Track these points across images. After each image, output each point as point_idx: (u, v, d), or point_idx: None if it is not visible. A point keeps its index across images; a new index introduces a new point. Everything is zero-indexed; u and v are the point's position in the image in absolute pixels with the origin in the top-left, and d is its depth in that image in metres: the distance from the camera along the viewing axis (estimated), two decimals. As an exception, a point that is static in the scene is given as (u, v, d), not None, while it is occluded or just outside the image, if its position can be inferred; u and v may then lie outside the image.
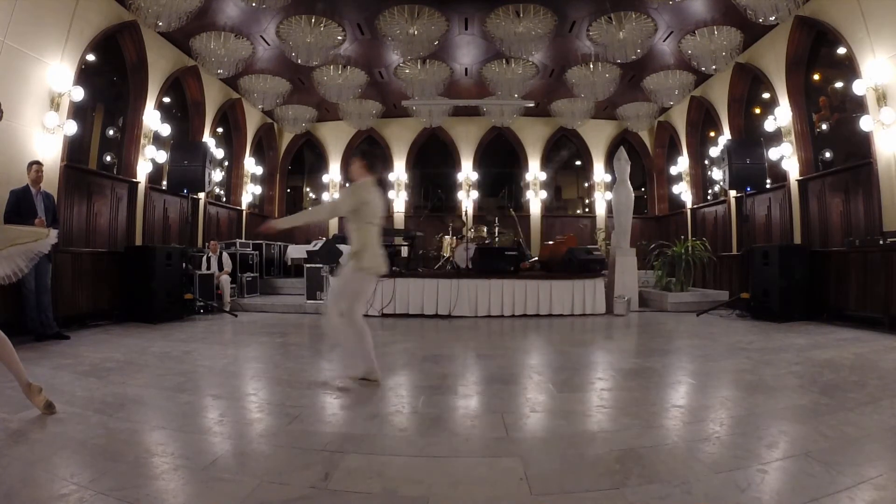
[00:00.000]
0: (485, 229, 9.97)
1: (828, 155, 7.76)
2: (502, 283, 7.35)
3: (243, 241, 10.38)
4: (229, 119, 11.38)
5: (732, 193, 9.54)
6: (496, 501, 1.77)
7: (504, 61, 9.41)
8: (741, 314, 6.93)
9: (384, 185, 13.48)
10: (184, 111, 9.91)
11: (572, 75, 9.66)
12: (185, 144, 8.51)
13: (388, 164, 13.40)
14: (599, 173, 13.35)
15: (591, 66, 9.37)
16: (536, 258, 9.06)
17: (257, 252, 9.96)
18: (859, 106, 6.67)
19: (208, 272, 7.78)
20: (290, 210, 14.04)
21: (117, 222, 7.86)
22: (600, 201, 13.32)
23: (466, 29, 8.57)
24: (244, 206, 11.83)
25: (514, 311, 7.30)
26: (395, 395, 3.21)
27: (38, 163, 5.16)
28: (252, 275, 9.25)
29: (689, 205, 11.67)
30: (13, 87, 5.61)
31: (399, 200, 13.28)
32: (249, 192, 12.12)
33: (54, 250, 3.65)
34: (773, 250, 6.52)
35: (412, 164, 13.62)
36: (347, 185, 4.04)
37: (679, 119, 11.86)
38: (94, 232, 7.38)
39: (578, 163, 14.09)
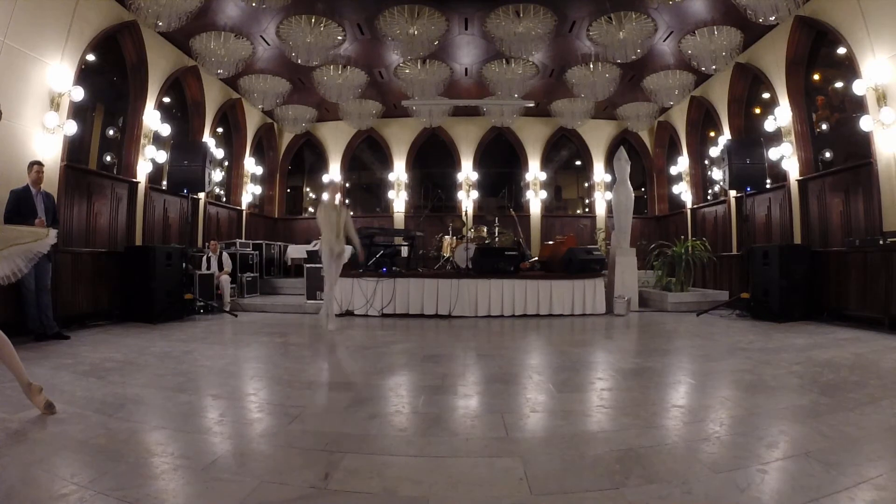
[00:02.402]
0: (485, 229, 9.97)
1: (828, 155, 7.76)
2: (502, 283, 7.35)
3: (243, 241, 10.39)
4: (229, 119, 11.38)
5: (732, 193, 9.54)
6: (496, 501, 1.77)
7: (504, 61, 9.41)
8: (741, 314, 6.93)
9: (385, 187, 13.53)
10: (184, 111, 9.91)
11: (572, 75, 9.66)
12: (185, 144, 8.51)
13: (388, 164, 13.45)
14: (599, 173, 13.35)
15: (591, 66, 9.37)
16: (536, 258, 9.06)
17: (257, 252, 9.97)
18: (859, 106, 6.68)
19: (208, 272, 7.78)
20: (290, 210, 14.20)
21: (117, 222, 7.86)
22: (600, 201, 13.32)
23: (466, 29, 8.57)
24: (244, 206, 11.83)
25: (514, 311, 7.30)
26: (395, 395, 3.21)
27: (38, 163, 5.16)
28: (252, 275, 9.25)
29: (689, 205, 11.67)
30: (13, 87, 5.61)
31: (399, 200, 13.28)
32: (249, 192, 12.13)
33: (54, 250, 3.65)
34: (773, 250, 6.52)
35: (412, 164, 13.62)
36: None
37: (679, 119, 11.86)
38: (94, 232, 7.38)
39: (578, 163, 14.09)
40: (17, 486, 1.81)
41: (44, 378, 3.17)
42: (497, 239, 10.00)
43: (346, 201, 13.90)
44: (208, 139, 9.71)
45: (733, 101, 9.74)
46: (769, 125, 8.43)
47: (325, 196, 5.90)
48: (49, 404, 2.60)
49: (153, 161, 8.34)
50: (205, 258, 8.24)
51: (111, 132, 7.97)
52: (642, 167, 13.69)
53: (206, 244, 8.75)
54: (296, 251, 10.97)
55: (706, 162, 11.20)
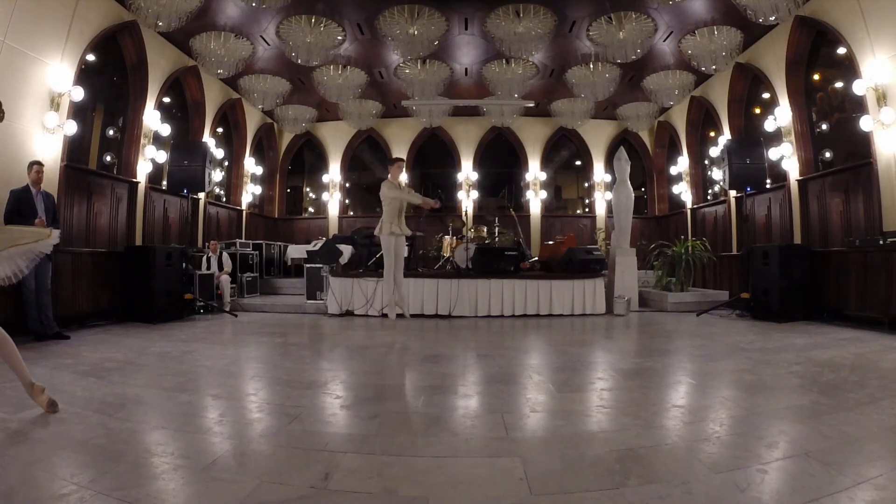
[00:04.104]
0: (485, 229, 9.96)
1: (828, 155, 7.76)
2: (502, 283, 7.35)
3: (243, 241, 10.39)
4: (229, 119, 11.38)
5: (732, 193, 9.54)
6: (496, 501, 1.77)
7: (504, 61, 9.41)
8: (741, 314, 6.93)
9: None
10: (184, 111, 9.91)
11: (572, 75, 9.67)
12: (185, 144, 8.51)
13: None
14: (599, 173, 13.35)
15: (591, 66, 9.37)
16: (536, 258, 9.06)
17: (257, 252, 9.97)
18: (859, 106, 6.68)
19: (208, 272, 7.78)
20: (290, 210, 14.21)
21: (117, 222, 7.86)
22: (600, 201, 13.32)
23: (466, 29, 8.57)
24: (244, 206, 11.83)
25: (514, 311, 7.30)
26: (395, 394, 3.21)
27: (38, 163, 5.16)
28: (252, 275, 9.25)
29: (689, 205, 11.68)
30: (13, 87, 5.62)
31: (399, 200, 13.26)
32: (249, 192, 12.13)
33: (54, 250, 3.65)
34: (773, 250, 6.52)
35: (412, 164, 13.60)
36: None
37: (679, 119, 11.86)
38: (94, 232, 7.38)
39: (578, 163, 14.09)
40: (17, 486, 1.81)
41: (44, 378, 3.16)
42: (497, 239, 10.00)
43: (347, 201, 13.91)
44: (208, 139, 9.71)
45: (733, 101, 9.74)
46: (769, 125, 8.44)
47: (392, 172, 5.77)
48: (52, 402, 2.61)
49: (153, 161, 8.34)
50: (205, 258, 8.24)
51: (111, 132, 7.97)
52: (642, 167, 13.69)
53: (206, 244, 8.75)
54: (296, 251, 10.97)
55: (706, 162, 11.20)
